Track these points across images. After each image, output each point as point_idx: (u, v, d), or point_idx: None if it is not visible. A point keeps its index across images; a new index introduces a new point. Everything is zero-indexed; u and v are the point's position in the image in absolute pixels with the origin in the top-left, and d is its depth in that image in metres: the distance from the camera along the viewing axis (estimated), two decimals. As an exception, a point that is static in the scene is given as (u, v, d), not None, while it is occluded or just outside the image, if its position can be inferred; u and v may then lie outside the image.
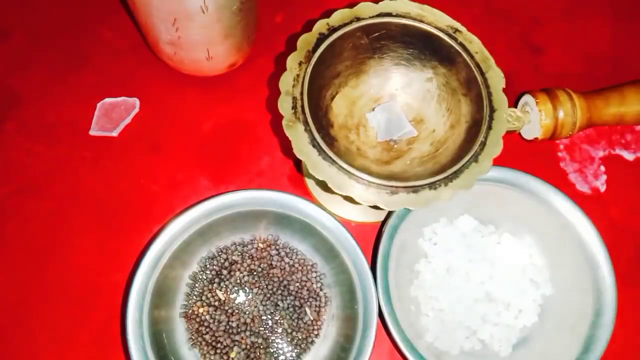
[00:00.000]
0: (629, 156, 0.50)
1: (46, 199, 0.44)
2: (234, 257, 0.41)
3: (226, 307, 0.40)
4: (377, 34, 0.38)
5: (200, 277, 0.40)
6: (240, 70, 0.49)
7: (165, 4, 0.39)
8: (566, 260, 0.41)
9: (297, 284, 0.41)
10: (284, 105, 0.34)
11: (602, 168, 0.49)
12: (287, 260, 0.41)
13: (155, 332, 0.37)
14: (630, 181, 0.49)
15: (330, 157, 0.33)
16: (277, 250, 0.41)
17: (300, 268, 0.41)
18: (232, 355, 0.39)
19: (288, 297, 0.40)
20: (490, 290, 0.41)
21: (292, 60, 0.36)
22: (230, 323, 0.39)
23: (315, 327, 0.40)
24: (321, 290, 0.41)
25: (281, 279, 0.41)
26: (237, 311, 0.40)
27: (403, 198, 0.33)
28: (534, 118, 0.46)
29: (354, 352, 0.36)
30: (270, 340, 0.39)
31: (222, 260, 0.41)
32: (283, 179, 0.47)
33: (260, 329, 0.39)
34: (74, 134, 0.47)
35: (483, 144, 0.35)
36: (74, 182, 0.45)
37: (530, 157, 0.48)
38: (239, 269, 0.40)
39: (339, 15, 0.37)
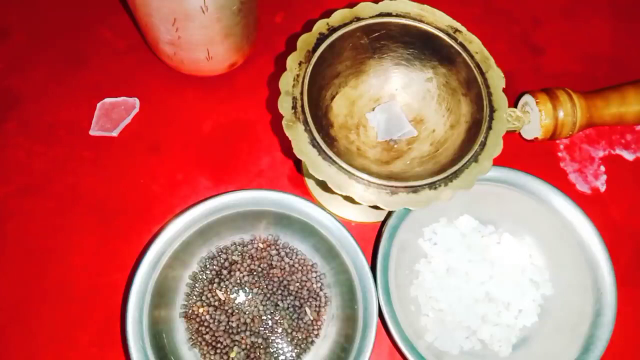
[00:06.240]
0: (629, 156, 0.50)
1: (46, 199, 0.44)
2: (234, 257, 0.41)
3: (226, 307, 0.40)
4: (377, 34, 0.38)
5: (200, 277, 0.40)
6: (240, 70, 0.49)
7: (165, 4, 0.39)
8: (566, 260, 0.41)
9: (297, 284, 0.41)
10: (284, 105, 0.34)
11: (602, 168, 0.49)
12: (287, 260, 0.41)
13: (155, 332, 0.37)
14: (630, 181, 0.49)
15: (330, 157, 0.33)
16: (277, 250, 0.41)
17: (300, 268, 0.41)
18: (232, 355, 0.39)
19: (288, 297, 0.40)
20: (490, 290, 0.41)
21: (292, 60, 0.36)
22: (230, 323, 0.39)
23: (315, 327, 0.40)
24: (321, 290, 0.41)
25: (281, 279, 0.41)
26: (237, 311, 0.40)
27: (403, 198, 0.33)
28: (534, 118, 0.46)
29: (354, 352, 0.36)
30: (270, 340, 0.39)
31: (222, 260, 0.41)
32: (283, 179, 0.47)
33: (260, 329, 0.39)
34: (74, 134, 0.47)
35: (483, 144, 0.35)
36: (74, 182, 0.45)
37: (530, 157, 0.48)
38: (239, 269, 0.40)
39: (339, 15, 0.37)
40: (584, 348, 0.38)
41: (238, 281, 0.40)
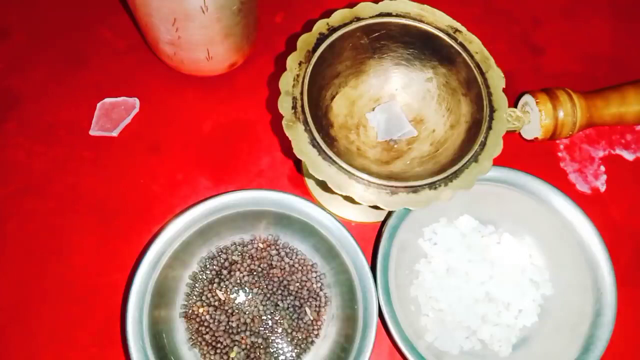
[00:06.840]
0: (629, 156, 0.50)
1: (46, 199, 0.44)
2: (234, 257, 0.41)
3: (226, 307, 0.40)
4: (377, 34, 0.38)
5: (200, 277, 0.40)
6: (240, 70, 0.49)
7: (165, 4, 0.39)
8: (566, 260, 0.41)
9: (297, 284, 0.41)
10: (284, 105, 0.34)
11: (602, 168, 0.49)
12: (287, 260, 0.41)
13: (155, 332, 0.37)
14: (630, 181, 0.49)
15: (330, 157, 0.33)
16: (277, 250, 0.41)
17: (300, 268, 0.41)
18: (232, 355, 0.39)
19: (288, 297, 0.40)
20: (490, 290, 0.41)
21: (292, 60, 0.36)
22: (230, 323, 0.39)
23: (315, 327, 0.40)
24: (321, 290, 0.41)
25: (281, 279, 0.41)
26: (237, 311, 0.40)
27: (403, 198, 0.33)
28: (534, 118, 0.46)
29: (354, 352, 0.36)
30: (270, 340, 0.39)
31: (222, 260, 0.41)
32: (283, 179, 0.47)
33: (260, 329, 0.39)
34: (74, 134, 0.47)
35: (483, 144, 0.35)
36: (74, 182, 0.45)
37: (530, 157, 0.48)
38: (239, 269, 0.40)
39: (339, 15, 0.37)
40: (584, 348, 0.38)
41: (238, 281, 0.40)
